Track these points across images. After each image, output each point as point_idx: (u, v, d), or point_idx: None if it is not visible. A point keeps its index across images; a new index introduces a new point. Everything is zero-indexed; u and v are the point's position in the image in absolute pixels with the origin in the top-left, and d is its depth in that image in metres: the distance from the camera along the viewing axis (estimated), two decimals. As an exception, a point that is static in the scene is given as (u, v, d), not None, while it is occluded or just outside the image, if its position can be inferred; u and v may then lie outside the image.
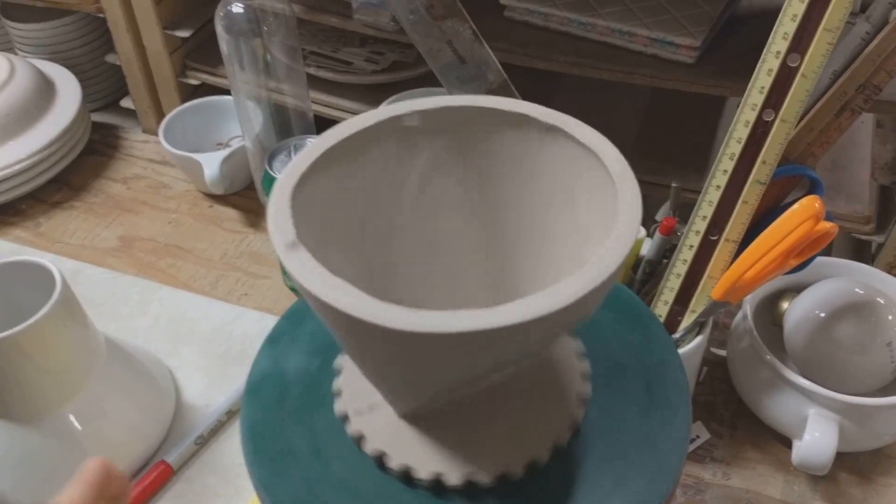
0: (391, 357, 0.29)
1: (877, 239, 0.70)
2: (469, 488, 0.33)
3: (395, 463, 0.33)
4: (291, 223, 0.29)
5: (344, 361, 0.37)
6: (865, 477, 0.61)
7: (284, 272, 0.74)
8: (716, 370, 0.68)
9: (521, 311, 0.25)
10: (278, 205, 0.30)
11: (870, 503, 0.59)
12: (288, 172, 0.31)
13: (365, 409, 0.35)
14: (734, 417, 0.65)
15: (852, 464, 0.61)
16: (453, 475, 0.33)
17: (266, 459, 0.35)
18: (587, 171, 0.31)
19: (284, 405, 0.37)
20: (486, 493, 0.33)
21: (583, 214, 0.32)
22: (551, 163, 0.33)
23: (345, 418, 0.35)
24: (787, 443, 0.61)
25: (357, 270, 0.33)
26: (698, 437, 0.63)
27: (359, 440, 0.34)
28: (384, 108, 0.34)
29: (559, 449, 0.34)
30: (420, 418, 0.34)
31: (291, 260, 0.28)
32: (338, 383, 0.36)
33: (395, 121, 0.33)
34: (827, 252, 0.85)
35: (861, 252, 0.79)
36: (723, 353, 0.69)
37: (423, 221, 0.35)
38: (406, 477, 0.33)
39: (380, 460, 0.34)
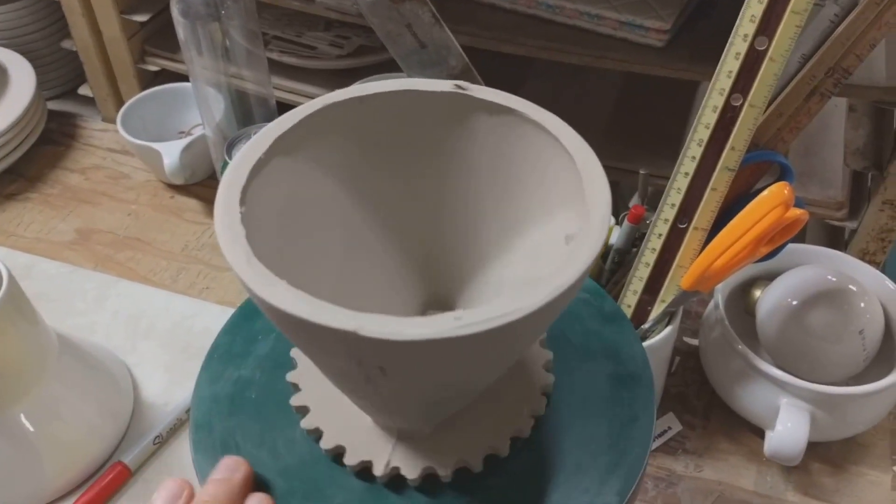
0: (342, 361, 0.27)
1: (849, 225, 0.69)
2: (428, 482, 0.32)
3: (353, 459, 0.32)
4: (240, 223, 0.27)
5: (299, 355, 0.35)
6: (838, 466, 0.60)
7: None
8: (688, 360, 0.67)
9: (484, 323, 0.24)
10: (227, 206, 0.28)
11: (842, 493, 0.59)
12: (235, 167, 0.30)
13: (322, 403, 0.33)
14: (707, 408, 0.64)
15: (824, 453, 0.61)
16: (412, 469, 0.31)
17: (212, 454, 0.33)
18: (551, 156, 0.30)
19: (238, 400, 0.35)
20: (445, 487, 0.32)
21: (548, 196, 0.31)
22: (511, 148, 0.31)
23: (303, 412, 0.33)
24: (760, 433, 0.60)
25: (315, 268, 0.31)
26: (670, 428, 0.62)
27: (316, 435, 0.33)
28: (332, 94, 0.32)
29: (520, 441, 0.33)
30: (378, 413, 0.33)
31: (237, 258, 0.26)
32: (294, 376, 0.35)
33: (344, 107, 0.31)
34: (800, 239, 0.84)
35: (835, 239, 0.78)
36: (695, 342, 0.68)
37: (384, 213, 0.33)
38: (365, 472, 0.32)
39: (337, 456, 0.32)
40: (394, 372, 0.25)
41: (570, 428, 0.34)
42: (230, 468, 0.32)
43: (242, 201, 0.28)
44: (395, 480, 0.32)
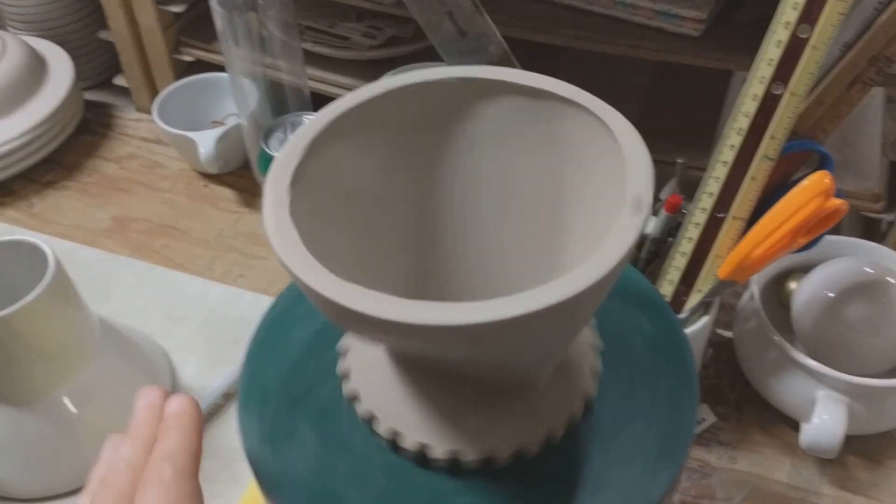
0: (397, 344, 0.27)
1: (887, 217, 0.68)
2: (485, 466, 0.32)
3: (409, 442, 0.32)
4: (288, 209, 0.28)
5: (350, 342, 0.36)
6: (874, 460, 0.60)
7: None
8: (721, 352, 0.67)
9: (520, 306, 0.24)
10: (275, 195, 0.28)
11: (879, 487, 0.58)
12: (286, 152, 0.30)
13: (375, 389, 0.33)
14: (740, 400, 0.64)
15: (862, 447, 0.60)
16: (469, 453, 0.31)
17: (266, 442, 0.34)
18: (595, 140, 0.30)
19: (286, 388, 0.36)
20: (501, 471, 0.32)
21: (591, 184, 0.31)
22: (560, 133, 0.31)
23: (354, 399, 0.33)
24: (794, 426, 0.59)
25: (364, 253, 0.31)
26: (704, 419, 0.62)
27: (370, 420, 0.33)
28: (386, 81, 0.32)
29: (573, 424, 0.33)
30: (435, 397, 0.33)
31: (281, 243, 0.26)
32: (344, 365, 0.35)
33: (398, 94, 0.32)
34: (836, 230, 0.84)
35: (871, 230, 0.77)
36: (729, 334, 0.67)
37: (435, 200, 0.34)
38: (421, 456, 0.32)
39: (393, 440, 0.32)
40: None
41: (618, 411, 0.34)
42: (144, 392, 0.35)
43: (293, 184, 0.28)
44: (452, 465, 0.32)
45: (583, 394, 0.33)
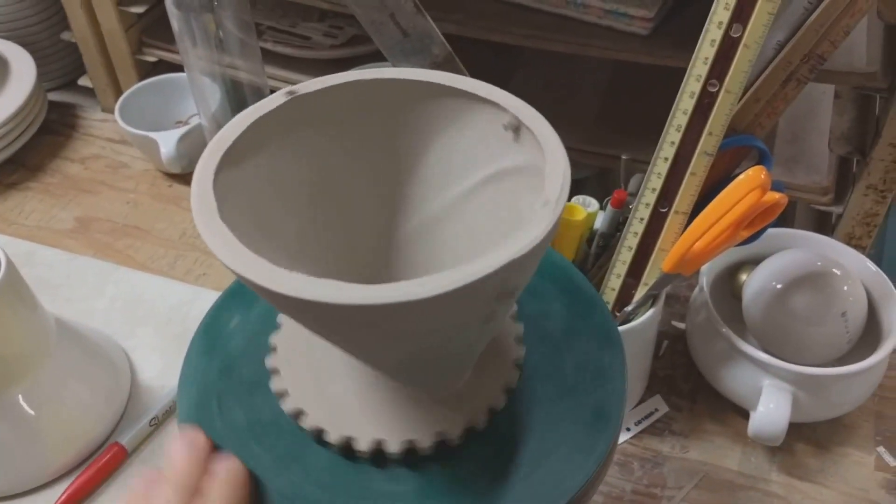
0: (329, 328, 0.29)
1: (835, 210, 0.70)
2: (409, 456, 0.33)
3: (334, 436, 0.33)
4: (215, 205, 0.29)
5: (278, 339, 0.37)
6: (822, 447, 0.61)
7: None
8: (676, 344, 0.68)
9: (441, 284, 0.25)
10: (201, 186, 0.29)
11: (826, 473, 0.60)
12: (210, 150, 0.31)
13: (302, 386, 0.34)
14: (693, 391, 0.65)
15: (809, 434, 0.62)
16: (393, 443, 0.32)
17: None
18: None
19: (222, 384, 0.37)
20: (425, 459, 0.33)
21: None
22: (470, 131, 0.32)
23: (282, 395, 0.35)
24: (745, 415, 0.61)
25: (288, 245, 0.32)
26: (657, 410, 0.63)
27: (297, 416, 0.34)
28: (323, 78, 0.33)
29: (495, 412, 0.34)
30: (360, 393, 0.34)
31: (212, 236, 0.27)
32: (273, 361, 0.36)
33: (316, 97, 0.33)
34: (789, 224, 0.85)
35: (822, 224, 0.79)
36: (683, 326, 0.69)
37: (347, 192, 0.35)
38: (347, 448, 0.33)
39: (318, 434, 0.33)
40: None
41: (542, 399, 0.35)
42: (190, 438, 0.33)
43: (215, 183, 0.29)
44: (376, 456, 0.33)
45: (505, 384, 0.34)
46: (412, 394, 0.33)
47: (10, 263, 0.52)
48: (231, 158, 0.31)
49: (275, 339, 0.37)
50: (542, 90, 0.77)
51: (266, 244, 0.30)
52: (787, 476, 0.60)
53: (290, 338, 0.36)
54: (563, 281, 0.40)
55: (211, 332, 0.39)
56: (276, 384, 0.35)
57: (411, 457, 0.33)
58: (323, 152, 0.34)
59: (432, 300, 0.24)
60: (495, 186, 0.33)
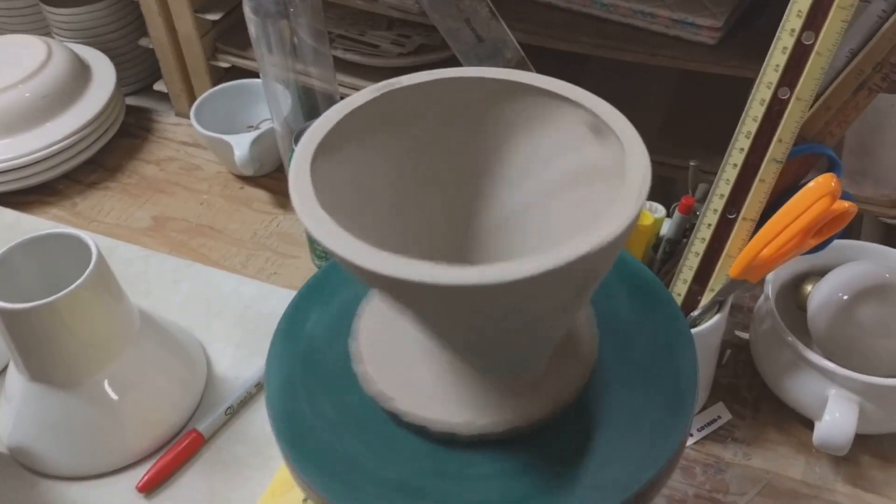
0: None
1: (904, 222, 0.69)
2: (481, 441, 0.34)
3: (413, 419, 0.35)
4: (312, 190, 0.30)
5: (361, 325, 0.38)
6: (888, 459, 0.61)
7: (313, 251, 0.75)
8: (740, 353, 0.68)
9: (518, 269, 0.26)
10: (299, 170, 0.31)
11: (892, 485, 0.59)
12: (309, 136, 0.33)
13: (384, 371, 0.36)
14: (757, 400, 0.65)
15: (875, 447, 0.61)
16: (466, 429, 0.34)
17: (292, 422, 0.36)
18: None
19: (308, 369, 0.38)
20: (495, 444, 0.34)
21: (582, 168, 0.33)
22: (551, 130, 0.34)
23: (366, 379, 0.36)
24: (809, 425, 0.61)
25: (381, 232, 0.34)
26: (720, 417, 0.64)
27: (380, 399, 0.35)
28: (404, 77, 0.35)
29: (570, 402, 0.35)
30: (438, 377, 0.35)
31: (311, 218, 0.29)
32: (356, 347, 0.37)
33: (403, 93, 0.34)
34: (856, 237, 0.84)
35: (890, 237, 0.78)
36: (747, 336, 0.69)
37: (453, 184, 0.36)
38: (421, 430, 0.35)
39: (395, 416, 0.35)
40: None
41: (613, 397, 0.36)
42: None
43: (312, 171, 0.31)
44: (449, 439, 0.34)
45: (578, 376, 0.35)
46: (490, 382, 0.35)
47: (100, 255, 0.55)
48: (324, 149, 0.32)
49: (357, 326, 0.38)
50: (607, 99, 0.78)
51: (352, 230, 0.31)
52: (853, 487, 0.59)
53: (372, 327, 0.38)
54: (633, 278, 0.41)
55: (293, 323, 0.41)
56: (359, 369, 0.36)
57: (483, 442, 0.34)
58: (407, 146, 0.35)
59: (524, 282, 0.26)
60: (574, 185, 0.34)
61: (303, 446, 0.36)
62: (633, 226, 0.28)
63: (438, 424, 0.34)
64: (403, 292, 0.28)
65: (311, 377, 0.38)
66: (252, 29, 0.73)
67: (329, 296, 0.42)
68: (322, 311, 0.41)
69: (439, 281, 0.26)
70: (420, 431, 0.35)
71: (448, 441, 0.35)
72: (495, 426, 0.34)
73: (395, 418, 0.35)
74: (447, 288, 0.26)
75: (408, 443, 0.35)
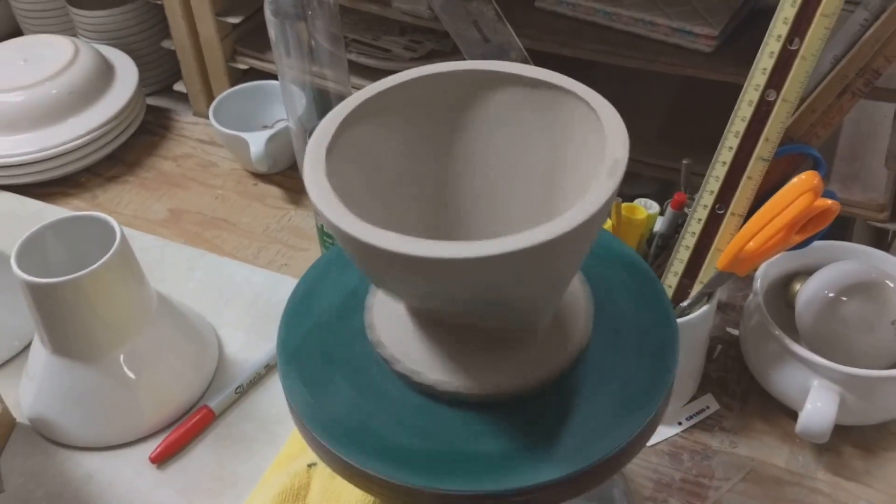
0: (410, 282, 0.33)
1: (891, 226, 0.72)
2: (486, 402, 0.37)
3: (424, 378, 0.38)
4: (324, 169, 0.33)
5: (374, 299, 0.41)
6: (869, 450, 0.63)
7: (322, 244, 0.78)
8: (730, 349, 0.71)
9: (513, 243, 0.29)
10: (316, 151, 0.34)
11: (872, 475, 0.62)
12: (324, 125, 0.36)
13: (395, 338, 0.39)
14: (745, 392, 0.67)
15: (857, 437, 0.64)
16: (474, 389, 0.37)
17: (307, 392, 0.39)
18: (584, 121, 0.35)
19: (319, 346, 0.41)
20: (503, 406, 0.38)
21: (581, 157, 0.36)
22: (555, 115, 0.37)
23: (378, 344, 0.39)
24: (795, 417, 0.63)
25: (389, 214, 0.37)
26: (708, 407, 0.66)
27: (391, 362, 0.39)
28: (408, 72, 0.38)
29: (563, 374, 0.38)
30: (446, 345, 0.38)
31: (319, 193, 0.32)
32: (369, 318, 0.40)
33: (418, 82, 0.37)
34: (847, 241, 0.87)
35: (880, 240, 0.81)
36: (737, 332, 0.71)
37: (450, 172, 0.39)
38: (430, 391, 0.38)
39: (411, 379, 0.38)
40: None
41: (604, 368, 0.39)
42: None
43: (329, 151, 0.34)
44: (456, 398, 0.37)
45: (576, 345, 0.38)
46: (493, 347, 0.38)
47: (123, 237, 0.58)
48: (336, 138, 0.35)
49: (370, 300, 0.41)
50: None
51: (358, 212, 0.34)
52: (833, 475, 0.62)
53: (383, 300, 0.41)
54: (627, 265, 0.44)
55: (308, 294, 0.44)
56: (372, 335, 0.39)
57: (489, 403, 0.38)
58: (413, 132, 0.39)
59: (519, 253, 0.29)
60: (561, 167, 0.37)
61: (324, 423, 0.39)
62: (609, 206, 0.31)
63: (444, 384, 0.37)
64: (412, 267, 0.31)
65: (325, 340, 0.41)
66: (272, 31, 0.76)
67: (341, 270, 0.45)
68: (335, 285, 0.44)
69: (441, 255, 0.29)
70: (427, 391, 0.38)
71: (454, 401, 0.38)
72: (498, 389, 0.37)
73: (406, 379, 0.38)
74: (444, 261, 0.29)
75: (415, 401, 0.38)
